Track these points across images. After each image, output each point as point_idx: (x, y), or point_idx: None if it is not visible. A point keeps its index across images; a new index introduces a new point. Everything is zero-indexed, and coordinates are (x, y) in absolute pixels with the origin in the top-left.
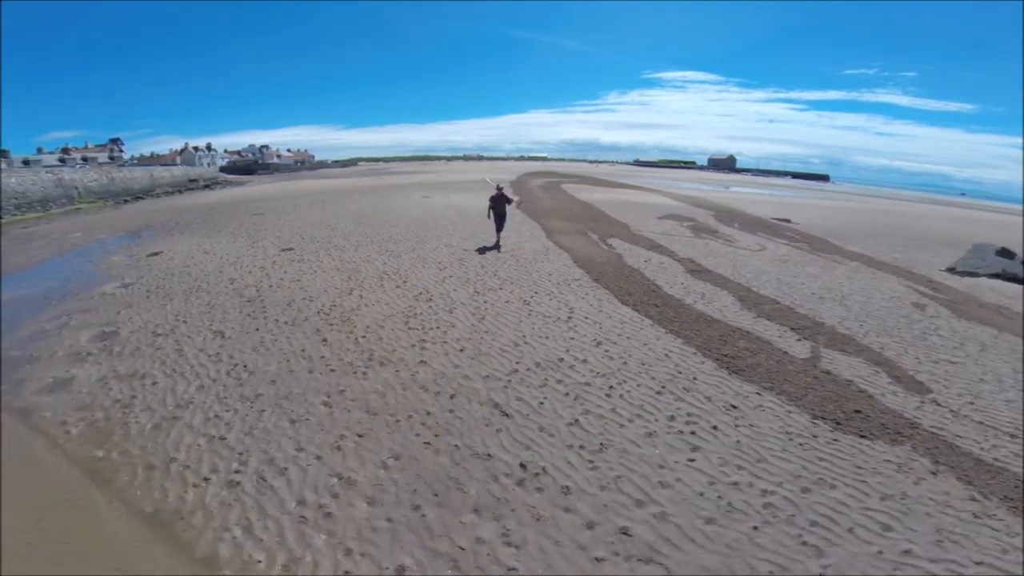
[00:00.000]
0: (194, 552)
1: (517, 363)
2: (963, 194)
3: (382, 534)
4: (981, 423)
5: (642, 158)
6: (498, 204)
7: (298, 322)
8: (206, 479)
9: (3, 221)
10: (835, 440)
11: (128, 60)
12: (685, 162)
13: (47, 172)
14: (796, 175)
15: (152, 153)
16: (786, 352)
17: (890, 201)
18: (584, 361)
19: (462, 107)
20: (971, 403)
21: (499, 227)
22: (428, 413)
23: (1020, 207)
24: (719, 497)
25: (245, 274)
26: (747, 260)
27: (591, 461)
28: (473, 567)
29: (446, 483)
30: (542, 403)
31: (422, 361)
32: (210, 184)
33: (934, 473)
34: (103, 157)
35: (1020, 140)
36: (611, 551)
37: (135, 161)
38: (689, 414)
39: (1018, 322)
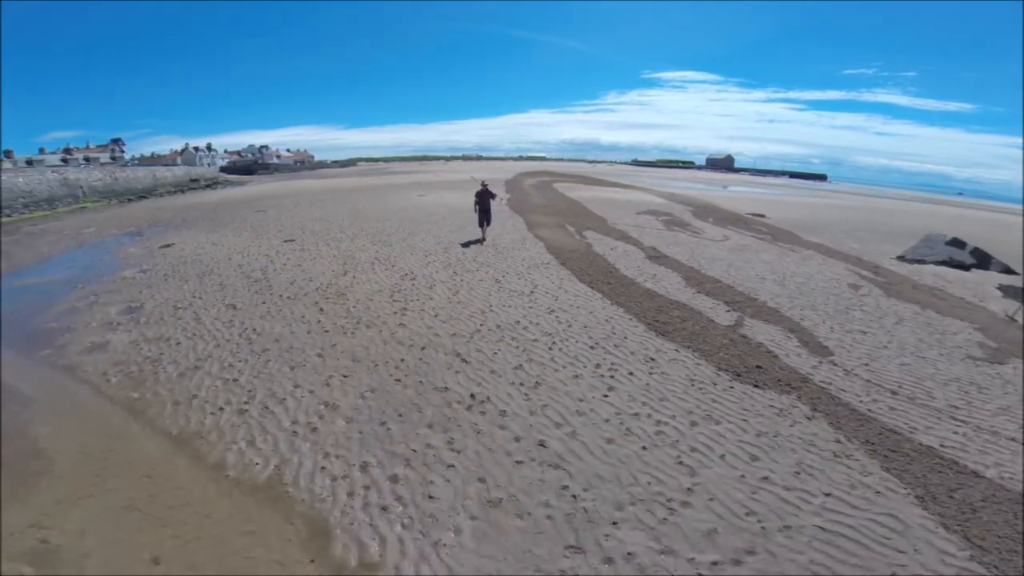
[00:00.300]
0: (207, 460)
1: (480, 325)
2: (960, 194)
3: (354, 442)
4: (868, 381)
5: (641, 158)
6: (483, 199)
7: (299, 297)
8: (220, 408)
9: (12, 219)
10: (731, 388)
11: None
12: (683, 162)
13: (53, 172)
14: (794, 175)
15: (153, 153)
16: (712, 320)
17: (881, 200)
18: (536, 324)
19: (462, 107)
20: (866, 365)
21: (485, 221)
22: (402, 360)
23: (1020, 207)
24: (620, 424)
25: (252, 261)
26: (706, 248)
27: (526, 395)
28: (421, 464)
29: (409, 407)
30: (496, 353)
31: (401, 324)
32: (211, 184)
33: (810, 418)
34: (105, 157)
35: (1020, 140)
36: (529, 457)
37: (136, 161)
38: (613, 364)
39: (946, 300)
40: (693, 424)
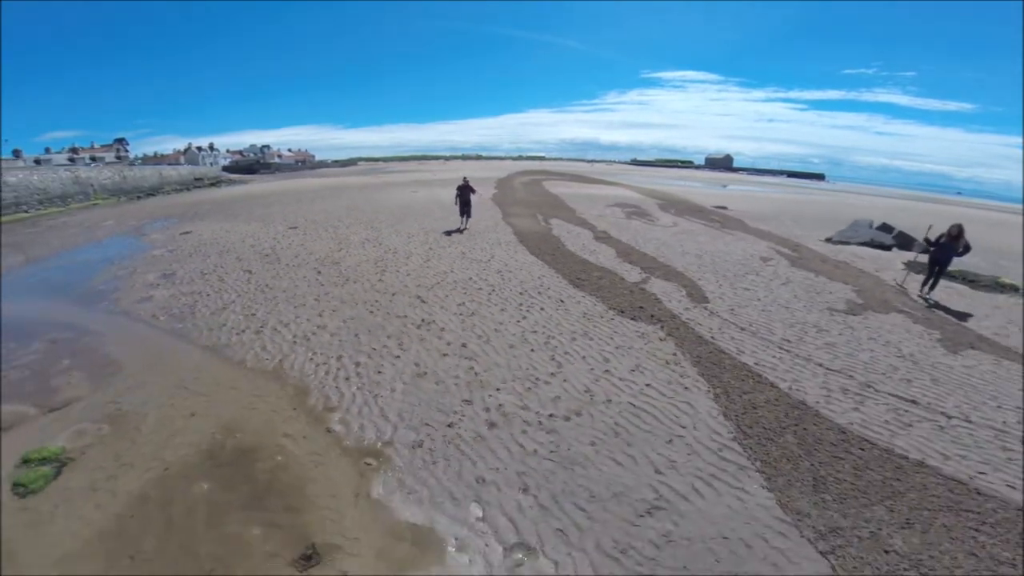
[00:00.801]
0: (233, 360)
1: (441, 280)
2: (959, 193)
3: (334, 347)
4: (726, 320)
5: (640, 158)
6: (464, 193)
7: (302, 265)
8: (242, 331)
9: (28, 215)
10: (613, 320)
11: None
12: (682, 161)
13: (66, 170)
14: (792, 174)
15: (156, 153)
16: (623, 279)
17: (863, 196)
18: (484, 280)
19: (462, 107)
20: (732, 310)
21: (465, 212)
22: (376, 301)
23: (1019, 206)
24: (522, 337)
25: (261, 242)
26: (651, 232)
27: (462, 320)
28: (377, 357)
29: (376, 327)
30: (447, 296)
31: (380, 280)
32: (215, 182)
33: (662, 340)
34: (110, 157)
35: (1015, 139)
36: (453, 352)
37: (139, 161)
38: (531, 304)
39: (844, 271)
40: (573, 339)
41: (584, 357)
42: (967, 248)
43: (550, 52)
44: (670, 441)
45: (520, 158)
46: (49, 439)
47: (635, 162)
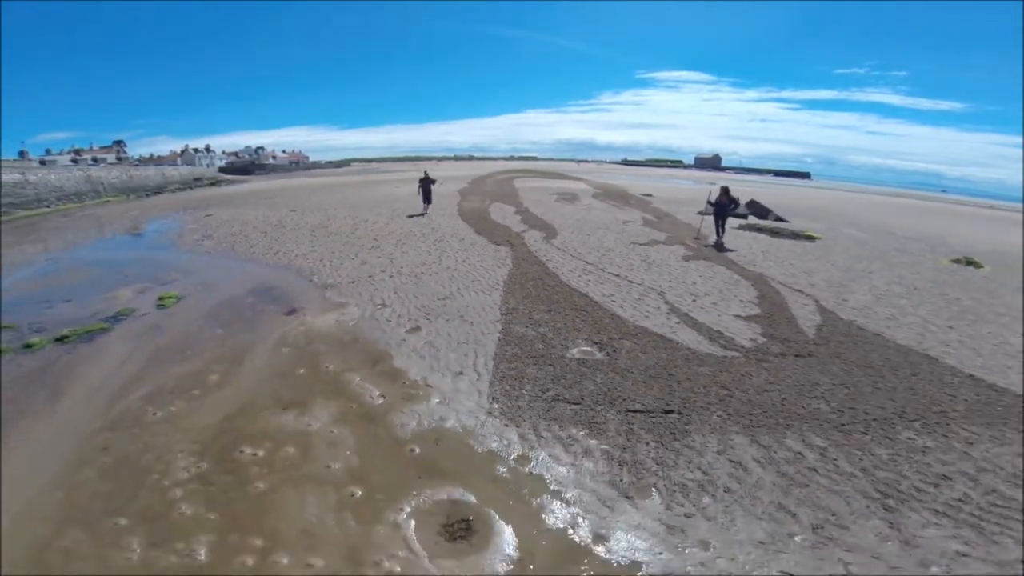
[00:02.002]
0: (261, 262)
1: (391, 232)
2: (944, 191)
3: (320, 255)
4: (555, 247)
5: (632, 158)
6: (424, 184)
7: (300, 228)
8: (265, 253)
9: (49, 211)
10: (485, 245)
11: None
12: (672, 161)
13: (78, 170)
14: (778, 173)
15: (152, 154)
16: (511, 230)
17: (818, 191)
18: (421, 232)
19: (458, 107)
20: (564, 244)
21: (426, 199)
22: (347, 240)
23: (1019, 205)
24: (427, 251)
25: (270, 219)
26: (561, 209)
27: (396, 246)
28: (341, 257)
29: (344, 249)
30: (392, 239)
31: (352, 233)
32: (215, 182)
33: (506, 251)
34: (111, 158)
35: (1012, 139)
36: (384, 256)
37: (136, 162)
38: (443, 241)
39: (678, 226)
40: (456, 252)
41: (456, 256)
42: (736, 203)
43: (546, 51)
44: (473, 281)
45: (512, 158)
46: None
47: (625, 162)
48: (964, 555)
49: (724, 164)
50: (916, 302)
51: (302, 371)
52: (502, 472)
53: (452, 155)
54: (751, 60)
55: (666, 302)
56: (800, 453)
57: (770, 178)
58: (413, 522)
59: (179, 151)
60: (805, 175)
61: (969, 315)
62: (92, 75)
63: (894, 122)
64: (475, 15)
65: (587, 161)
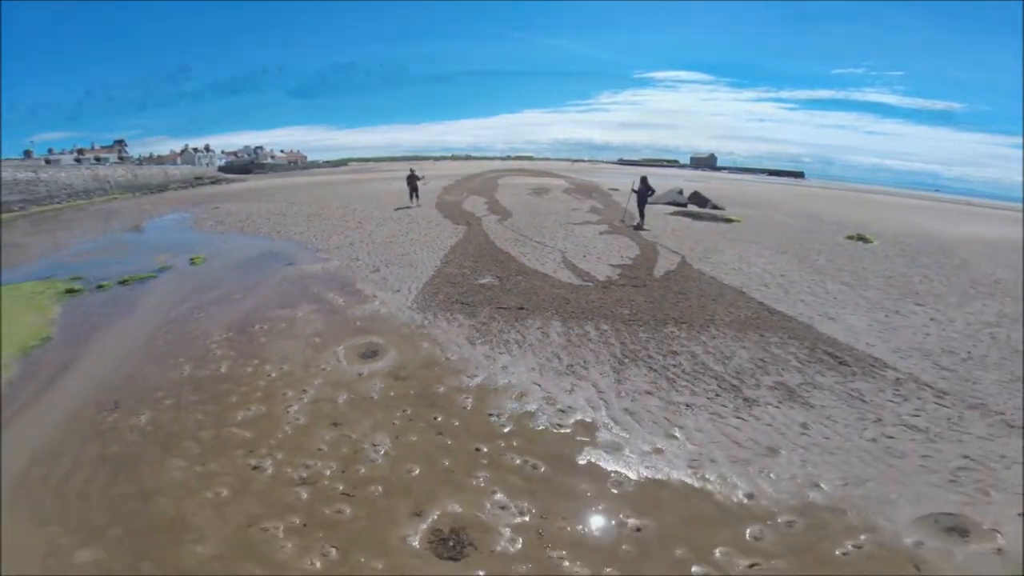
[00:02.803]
0: (268, 236)
1: (373, 218)
2: (937, 190)
3: (314, 232)
4: (504, 226)
5: (630, 157)
6: (411, 181)
7: (298, 217)
8: (270, 231)
9: (61, 207)
10: (447, 225)
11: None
12: (669, 161)
13: (86, 168)
14: (772, 172)
15: (152, 154)
16: (474, 214)
17: (816, 190)
18: (398, 219)
19: (456, 108)
20: (512, 223)
21: (413, 194)
22: (336, 223)
23: (1018, 205)
24: (399, 230)
25: (272, 209)
26: (527, 200)
27: (376, 226)
28: (330, 234)
29: (333, 229)
30: (372, 222)
31: (342, 218)
32: (215, 181)
33: (463, 229)
34: (113, 157)
35: (1008, 139)
36: (365, 234)
37: (138, 161)
38: (414, 224)
39: (616, 213)
40: (422, 229)
41: (420, 232)
42: (652, 191)
43: (542, 52)
44: (427, 246)
45: (508, 158)
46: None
47: (621, 161)
48: (648, 392)
49: (720, 163)
50: (773, 261)
51: (295, 291)
52: (404, 332)
53: (450, 154)
54: (748, 60)
55: (563, 257)
56: (587, 332)
57: (763, 177)
58: (343, 350)
59: (179, 151)
60: (799, 174)
61: (813, 271)
62: (89, 74)
63: (891, 122)
64: (472, 15)
65: (582, 160)
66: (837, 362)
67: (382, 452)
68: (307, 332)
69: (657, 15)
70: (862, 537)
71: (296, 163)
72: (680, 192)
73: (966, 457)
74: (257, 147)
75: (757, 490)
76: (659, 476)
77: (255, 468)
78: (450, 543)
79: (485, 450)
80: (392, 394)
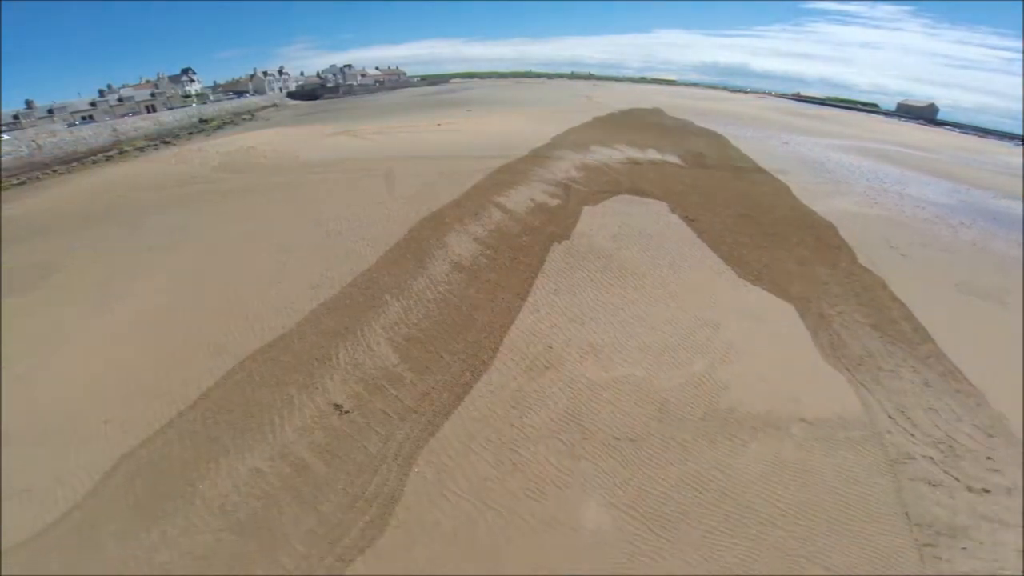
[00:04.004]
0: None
1: None
2: None
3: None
4: None
5: (804, 92)
6: None
7: None
8: None
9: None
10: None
11: None
12: (866, 104)
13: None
14: None
15: (234, 79)
16: None
17: None
18: None
19: (584, 23)
20: None
21: None
22: None
23: None
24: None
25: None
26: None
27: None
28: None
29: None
30: None
31: None
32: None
33: None
34: (143, 95)
35: None
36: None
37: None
38: None
39: None
40: None
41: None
42: None
43: None
44: None
45: (643, 80)
46: None
47: (799, 96)
48: None
49: (940, 116)
50: None
51: None
52: None
53: (568, 72)
54: None
55: None
56: None
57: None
58: None
59: (249, 76)
60: None
61: None
62: None
63: None
64: None
65: (744, 91)
66: None
67: None
68: None
69: None
70: None
71: (383, 83)
72: None
73: None
74: (345, 65)
75: None
76: None
77: None
78: None
79: None
80: None
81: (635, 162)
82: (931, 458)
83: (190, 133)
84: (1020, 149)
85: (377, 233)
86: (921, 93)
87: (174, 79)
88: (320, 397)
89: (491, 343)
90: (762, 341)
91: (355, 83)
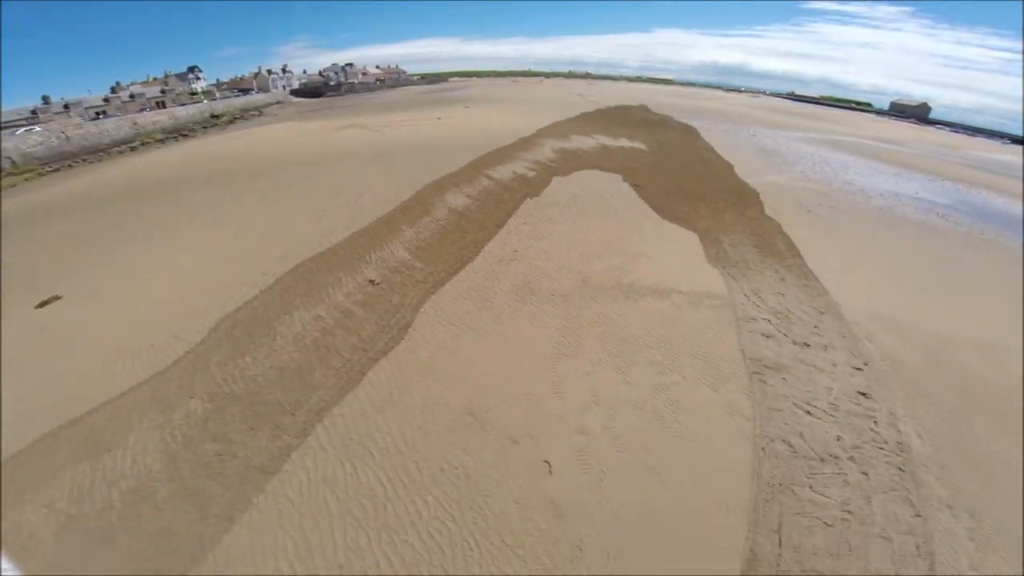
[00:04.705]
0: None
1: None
2: None
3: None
4: None
5: (800, 91)
6: None
7: None
8: None
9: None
10: None
11: None
12: (859, 103)
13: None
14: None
15: (237, 76)
16: None
17: None
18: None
19: (588, 22)
20: None
21: None
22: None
23: None
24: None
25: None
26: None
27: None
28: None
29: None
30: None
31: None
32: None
33: None
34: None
35: None
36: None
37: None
38: None
39: None
40: None
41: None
42: None
43: None
44: None
45: (639, 79)
46: None
47: (793, 96)
48: None
49: (933, 116)
50: None
51: None
52: None
53: (566, 71)
54: None
55: None
56: None
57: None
58: None
59: (254, 74)
60: None
61: None
62: None
63: None
64: None
65: (739, 91)
66: None
67: None
68: None
69: None
70: None
71: (383, 81)
72: None
73: None
74: (346, 64)
75: None
76: None
77: None
78: None
79: None
80: None
81: (606, 147)
82: (768, 320)
83: (204, 127)
84: (1008, 146)
85: (391, 195)
86: (920, 93)
87: (181, 77)
88: (359, 276)
89: (475, 248)
90: (665, 251)
91: (356, 81)
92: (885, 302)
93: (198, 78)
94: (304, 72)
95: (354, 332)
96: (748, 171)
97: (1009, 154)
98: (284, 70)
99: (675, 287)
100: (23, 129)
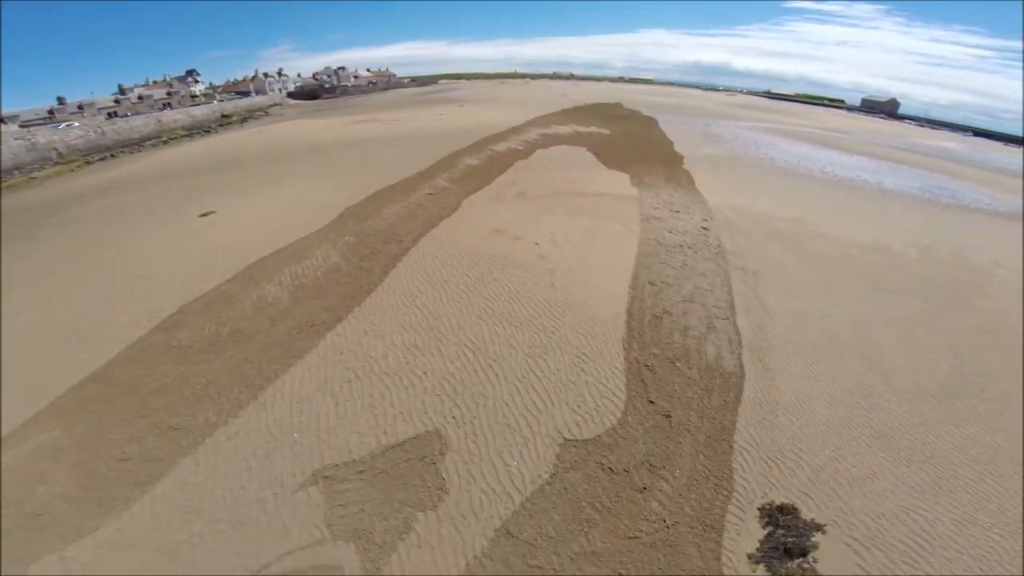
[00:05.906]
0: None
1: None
2: None
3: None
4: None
5: (777, 89)
6: None
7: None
8: None
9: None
10: None
11: None
12: (832, 100)
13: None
14: (981, 133)
15: (231, 80)
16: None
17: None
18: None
19: (572, 23)
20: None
21: None
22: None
23: None
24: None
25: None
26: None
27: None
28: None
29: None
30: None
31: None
32: (243, 119)
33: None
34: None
35: None
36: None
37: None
38: None
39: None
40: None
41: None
42: None
43: None
44: None
45: (622, 80)
46: None
47: (769, 94)
48: None
49: (902, 111)
50: None
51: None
52: None
53: (551, 72)
54: None
55: None
56: None
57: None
58: None
59: (251, 77)
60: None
61: None
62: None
63: None
64: None
65: (716, 89)
66: None
67: None
68: None
69: None
70: None
71: (376, 83)
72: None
73: None
74: (339, 67)
75: None
76: None
77: None
78: None
79: None
80: None
81: (579, 132)
82: (659, 207)
83: (221, 125)
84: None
85: (421, 161)
86: (898, 91)
87: (180, 80)
88: (420, 192)
89: (488, 181)
90: (605, 181)
91: (350, 84)
92: (738, 201)
93: (196, 81)
94: (299, 75)
95: (428, 209)
96: (685, 147)
97: (941, 140)
98: (280, 73)
99: (608, 192)
100: (64, 124)
